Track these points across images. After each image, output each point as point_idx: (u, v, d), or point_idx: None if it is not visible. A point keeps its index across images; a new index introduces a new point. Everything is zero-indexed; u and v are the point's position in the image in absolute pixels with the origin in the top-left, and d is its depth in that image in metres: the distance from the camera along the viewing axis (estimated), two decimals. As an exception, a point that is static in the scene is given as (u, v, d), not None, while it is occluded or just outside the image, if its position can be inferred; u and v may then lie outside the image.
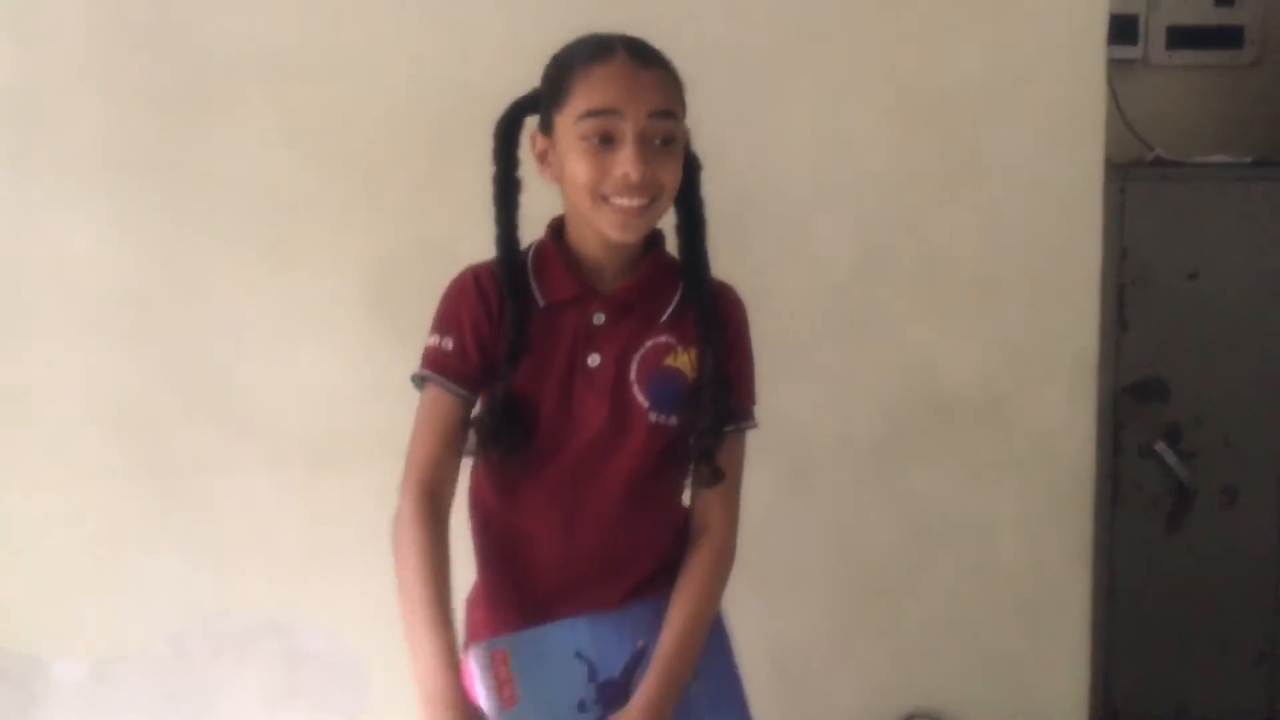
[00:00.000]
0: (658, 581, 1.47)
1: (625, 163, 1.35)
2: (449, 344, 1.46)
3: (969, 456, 2.26)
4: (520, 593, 1.48)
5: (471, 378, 1.44)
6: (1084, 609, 2.31)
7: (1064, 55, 2.20)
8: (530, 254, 1.49)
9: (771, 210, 2.15)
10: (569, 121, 1.37)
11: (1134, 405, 2.62)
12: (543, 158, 1.44)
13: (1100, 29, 2.20)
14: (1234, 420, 2.63)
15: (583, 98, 1.36)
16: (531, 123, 1.47)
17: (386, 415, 2.07)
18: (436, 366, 1.46)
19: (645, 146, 1.36)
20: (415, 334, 2.01)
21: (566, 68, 1.39)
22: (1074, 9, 2.20)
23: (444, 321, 1.48)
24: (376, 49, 2.06)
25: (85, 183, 2.05)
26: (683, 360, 1.45)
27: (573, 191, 1.40)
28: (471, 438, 1.46)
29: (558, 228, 1.49)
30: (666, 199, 1.41)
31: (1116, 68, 2.69)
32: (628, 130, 1.35)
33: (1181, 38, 2.93)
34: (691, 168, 1.48)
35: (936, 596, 2.28)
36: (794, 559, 2.24)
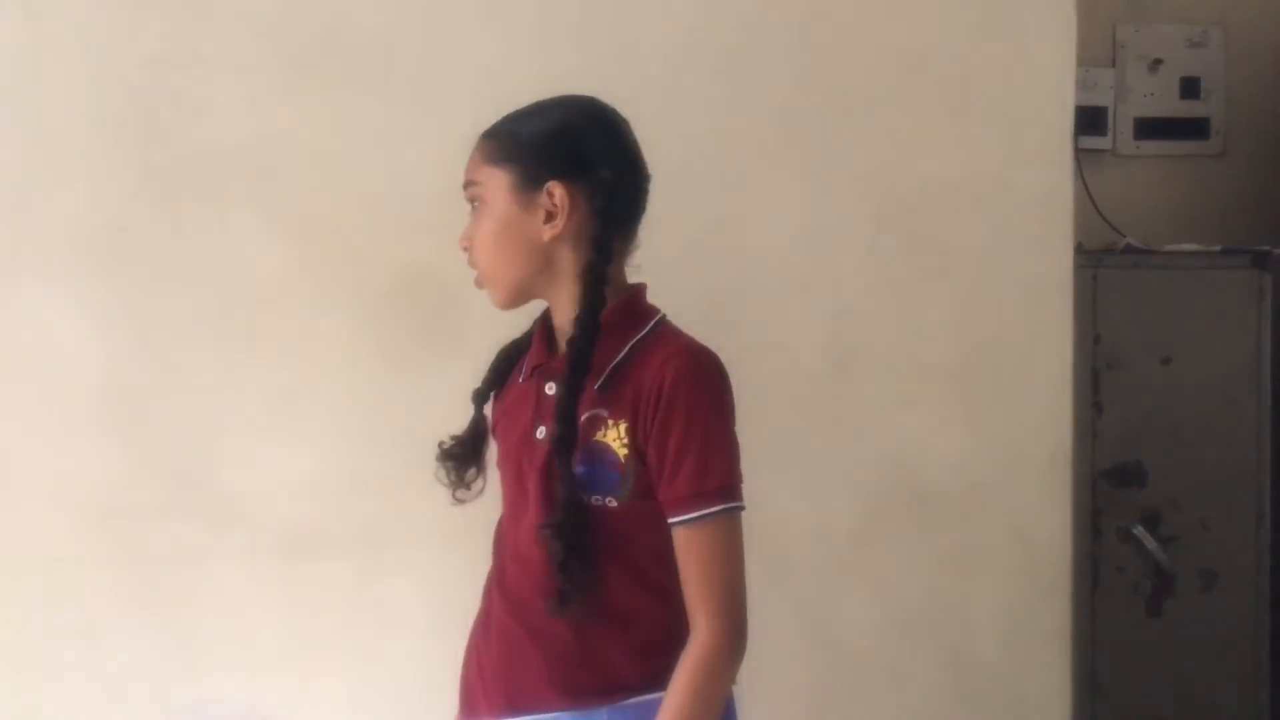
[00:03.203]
0: (624, 689, 1.35)
1: None
2: None
3: (946, 546, 2.26)
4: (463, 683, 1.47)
5: None
6: (1064, 698, 2.30)
7: (1033, 150, 2.25)
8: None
9: (749, 302, 2.18)
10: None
11: (1111, 490, 2.64)
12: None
13: (1067, 124, 2.26)
14: (1211, 504, 2.65)
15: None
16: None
17: (364, 507, 2.10)
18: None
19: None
20: (397, 425, 2.05)
21: None
22: (1042, 105, 2.25)
23: None
24: (358, 145, 2.10)
25: (66, 272, 2.06)
26: (612, 435, 1.33)
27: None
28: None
29: None
30: (484, 266, 1.41)
31: (1087, 157, 2.76)
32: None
33: (1149, 129, 3.01)
34: (611, 214, 1.39)
35: (915, 687, 2.27)
36: (770, 648, 2.21)
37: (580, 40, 2.12)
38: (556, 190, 1.37)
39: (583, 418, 1.34)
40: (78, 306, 2.07)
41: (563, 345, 1.40)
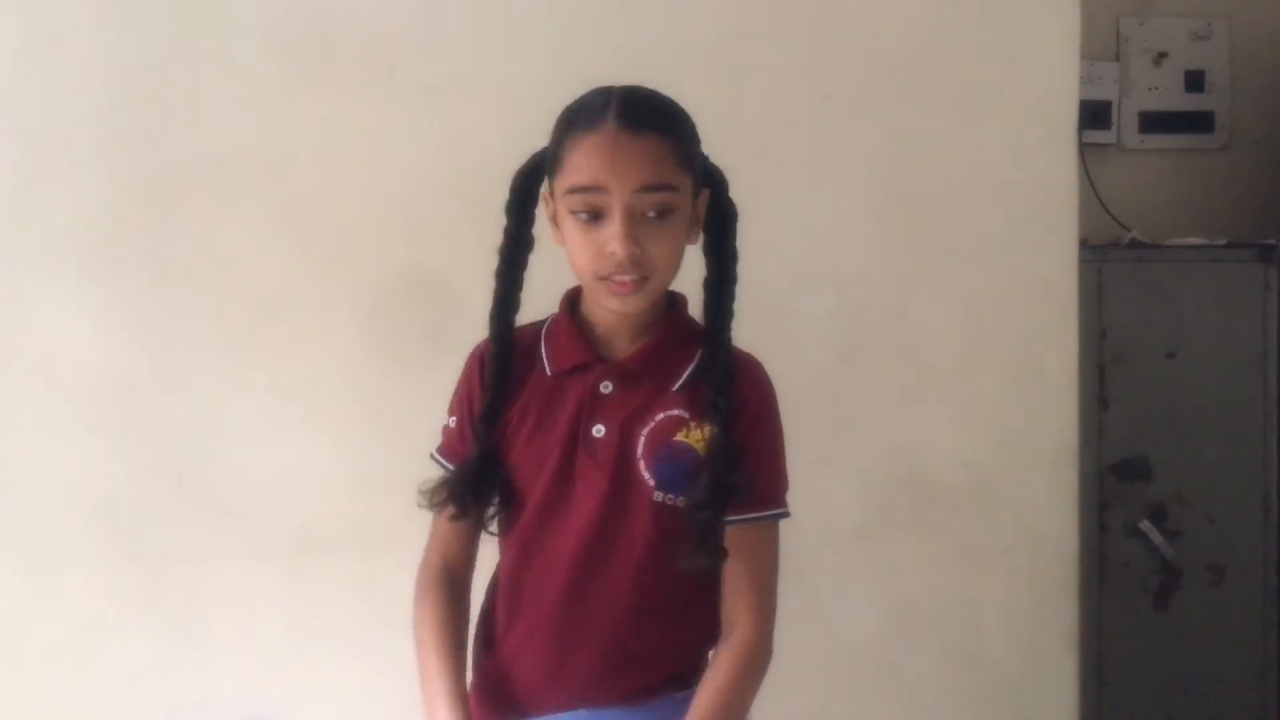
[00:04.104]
0: (672, 684, 1.37)
1: (611, 241, 1.28)
2: (453, 422, 1.44)
3: (952, 542, 2.26)
4: (499, 684, 1.40)
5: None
6: (1072, 693, 2.30)
7: (1038, 144, 2.24)
8: (546, 324, 1.44)
9: (753, 298, 2.16)
10: (560, 193, 1.32)
11: (1118, 484, 2.64)
12: (553, 221, 1.38)
13: (1071, 119, 2.25)
14: (1217, 498, 2.65)
15: (570, 171, 1.30)
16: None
17: (370, 505, 2.10)
18: (442, 448, 1.46)
19: (635, 222, 1.28)
20: (400, 424, 2.05)
21: (562, 131, 1.33)
22: (1046, 99, 2.24)
23: (454, 399, 1.46)
24: (360, 144, 2.10)
25: (73, 272, 2.07)
26: (695, 436, 1.35)
27: (571, 265, 1.35)
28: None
29: (573, 298, 1.43)
30: (663, 273, 1.32)
31: (1091, 152, 2.75)
32: (615, 206, 1.28)
33: (1153, 122, 3.00)
34: (726, 217, 1.41)
35: (922, 682, 2.27)
36: (777, 646, 2.22)
37: (582, 37, 2.11)
38: (704, 199, 1.39)
39: (660, 417, 1.36)
40: (81, 307, 2.07)
41: (616, 346, 1.39)
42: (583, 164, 1.29)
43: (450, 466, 1.44)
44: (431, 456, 1.47)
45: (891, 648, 2.27)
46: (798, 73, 2.19)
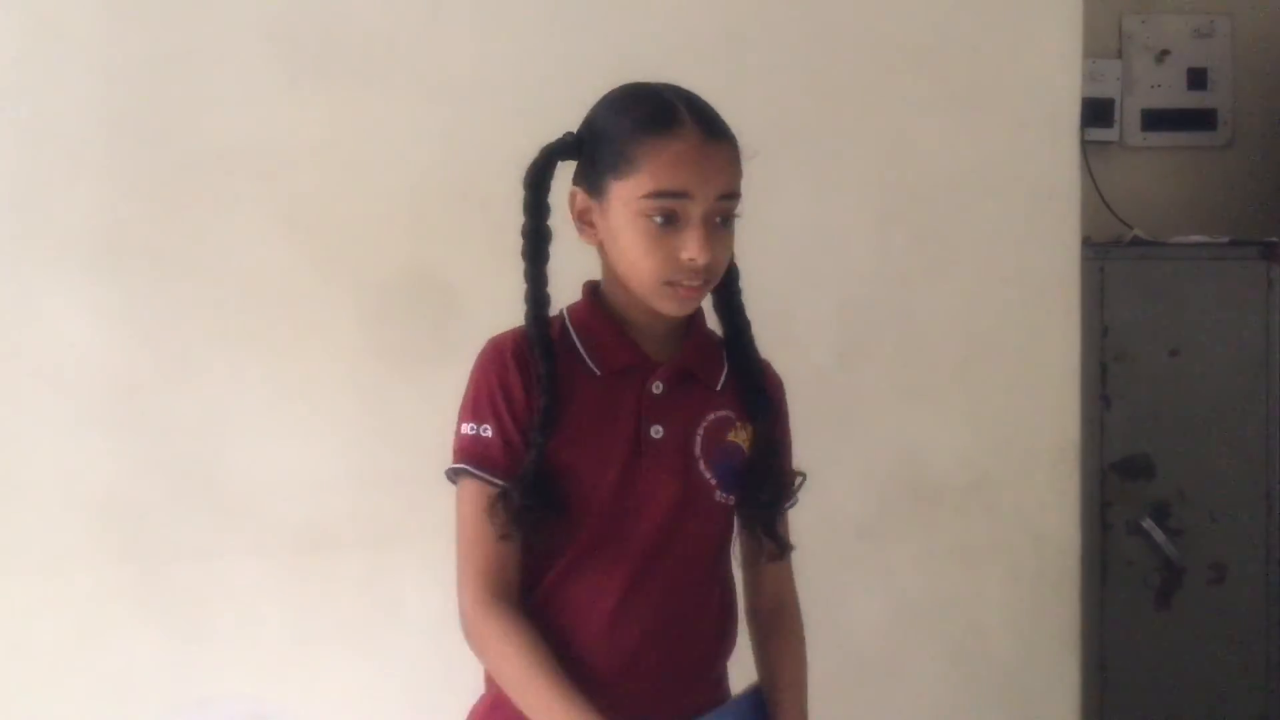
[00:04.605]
0: (707, 687, 1.39)
1: (692, 248, 1.26)
2: (488, 430, 1.30)
3: (954, 540, 2.26)
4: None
5: (517, 468, 1.29)
6: (1073, 692, 2.30)
7: (1039, 141, 2.24)
8: (568, 319, 1.37)
9: (754, 297, 2.16)
10: (629, 195, 1.27)
11: (1120, 482, 2.64)
12: (584, 217, 1.33)
13: (1074, 114, 2.25)
14: (1219, 496, 2.65)
15: (651, 176, 1.26)
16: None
17: (373, 503, 2.11)
18: (475, 458, 1.30)
19: (709, 228, 1.27)
20: (403, 422, 2.05)
21: (630, 134, 1.28)
22: (1048, 96, 2.25)
23: (478, 404, 1.32)
24: (363, 142, 2.10)
25: (77, 271, 2.07)
26: (742, 435, 1.38)
27: (627, 267, 1.30)
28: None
29: (594, 291, 1.38)
30: (720, 277, 1.34)
31: (1093, 149, 2.75)
32: (695, 213, 1.26)
33: (1156, 120, 3.00)
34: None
35: (924, 681, 2.27)
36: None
37: (582, 37, 2.11)
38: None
39: (711, 417, 1.36)
40: (84, 305, 2.07)
41: (650, 346, 1.35)
42: (667, 170, 1.26)
43: (496, 481, 1.30)
44: (463, 472, 1.32)
45: (893, 646, 2.27)
46: (799, 71, 2.19)
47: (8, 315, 2.06)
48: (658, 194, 1.26)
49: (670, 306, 1.30)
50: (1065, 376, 2.27)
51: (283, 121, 2.09)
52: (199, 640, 2.11)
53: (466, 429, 1.32)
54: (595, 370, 1.34)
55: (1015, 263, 2.25)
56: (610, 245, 1.31)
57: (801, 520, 2.22)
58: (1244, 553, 2.65)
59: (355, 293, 2.10)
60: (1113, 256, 2.64)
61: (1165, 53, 2.99)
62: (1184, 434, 2.63)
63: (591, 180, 1.32)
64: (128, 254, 2.07)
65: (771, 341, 2.18)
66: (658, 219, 1.26)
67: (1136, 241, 2.74)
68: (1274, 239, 2.67)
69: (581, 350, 1.34)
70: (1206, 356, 2.63)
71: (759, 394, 1.39)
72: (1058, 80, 2.25)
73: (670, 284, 1.28)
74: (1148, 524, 2.62)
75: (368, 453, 2.05)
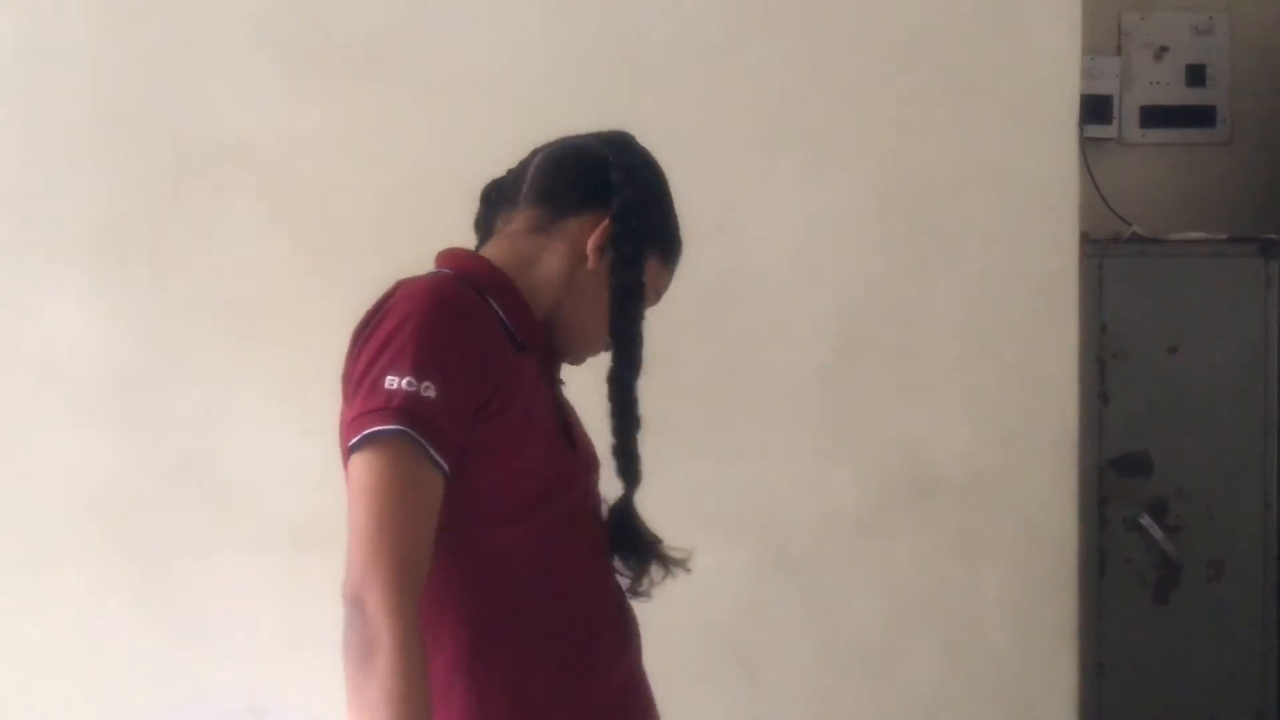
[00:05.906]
0: None
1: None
2: (430, 390, 1.08)
3: (952, 536, 2.27)
4: (591, 698, 1.20)
5: (458, 445, 1.09)
6: (1071, 687, 2.30)
7: (1039, 139, 2.24)
8: (488, 293, 1.24)
9: (753, 292, 2.18)
10: (652, 277, 1.32)
11: (1118, 479, 2.63)
12: (601, 250, 1.28)
13: (1072, 113, 2.25)
14: (1217, 493, 2.64)
15: (668, 277, 1.38)
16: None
17: (369, 498, 2.11)
18: (418, 421, 1.07)
19: None
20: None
21: (678, 233, 1.38)
22: (1047, 93, 2.25)
23: (427, 361, 1.11)
24: (360, 137, 2.10)
25: (74, 267, 2.07)
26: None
27: (586, 316, 1.29)
28: None
29: (491, 267, 1.29)
30: None
31: (1092, 146, 2.74)
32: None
33: (1155, 117, 2.99)
34: None
35: (921, 676, 2.27)
36: (776, 637, 2.23)
37: (583, 37, 2.11)
38: None
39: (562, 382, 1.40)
40: (82, 300, 2.07)
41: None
42: (667, 281, 1.38)
43: (439, 458, 1.10)
44: (399, 435, 1.10)
45: (891, 641, 2.27)
46: (798, 67, 2.19)
47: (4, 311, 2.06)
48: (658, 294, 1.36)
49: (573, 360, 1.36)
50: (1063, 373, 2.27)
51: (280, 118, 2.09)
52: (196, 635, 2.11)
53: (403, 383, 1.09)
54: (517, 339, 1.23)
55: (1014, 260, 2.25)
56: (594, 288, 1.28)
57: (801, 515, 2.24)
58: (1242, 549, 2.65)
59: (352, 289, 2.08)
60: (1111, 253, 2.64)
61: (1164, 49, 2.99)
62: (1182, 431, 2.63)
63: (630, 238, 1.28)
64: (125, 250, 2.07)
65: (769, 336, 2.20)
66: (651, 296, 1.34)
67: (1135, 238, 2.73)
68: (1272, 235, 2.67)
69: (503, 316, 1.22)
70: (1205, 353, 2.63)
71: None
72: (1057, 77, 2.25)
73: (591, 353, 1.34)
74: (1146, 520, 2.62)
75: (365, 448, 2.05)
